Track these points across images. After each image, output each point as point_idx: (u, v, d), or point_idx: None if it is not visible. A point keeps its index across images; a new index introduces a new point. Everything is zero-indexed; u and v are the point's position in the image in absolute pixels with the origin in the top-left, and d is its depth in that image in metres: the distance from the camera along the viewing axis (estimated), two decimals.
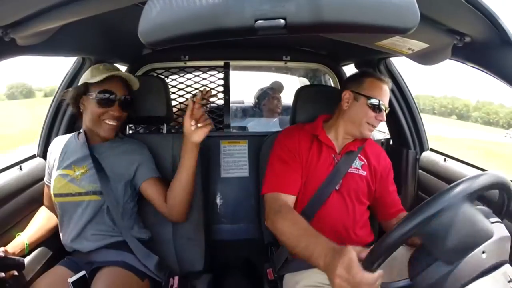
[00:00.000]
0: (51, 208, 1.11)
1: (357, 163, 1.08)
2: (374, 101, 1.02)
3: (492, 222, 0.60)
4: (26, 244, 0.98)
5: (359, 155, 1.09)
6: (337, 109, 1.10)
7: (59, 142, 1.11)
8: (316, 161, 1.05)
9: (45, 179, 1.12)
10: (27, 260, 0.99)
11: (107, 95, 1.00)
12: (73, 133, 1.13)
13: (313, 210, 1.01)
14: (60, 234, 1.06)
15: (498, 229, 0.60)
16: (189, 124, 0.91)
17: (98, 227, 1.01)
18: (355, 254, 0.66)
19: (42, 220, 1.09)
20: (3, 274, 0.86)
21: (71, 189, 1.01)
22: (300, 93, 1.30)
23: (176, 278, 1.04)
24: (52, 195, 1.03)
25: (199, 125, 0.91)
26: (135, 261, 0.99)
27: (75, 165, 1.04)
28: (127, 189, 1.05)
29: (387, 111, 1.06)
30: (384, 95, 1.04)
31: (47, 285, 0.91)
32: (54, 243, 1.12)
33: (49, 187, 1.09)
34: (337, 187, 1.03)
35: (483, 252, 0.56)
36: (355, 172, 1.06)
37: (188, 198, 1.01)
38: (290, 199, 1.00)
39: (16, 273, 0.89)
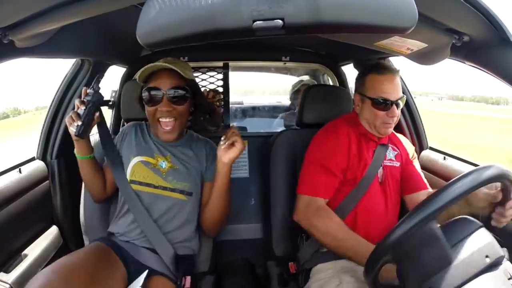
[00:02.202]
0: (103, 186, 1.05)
1: (391, 154, 1.08)
2: (378, 101, 0.98)
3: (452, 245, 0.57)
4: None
5: (391, 146, 1.09)
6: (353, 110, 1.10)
7: (134, 129, 1.07)
8: (361, 155, 1.03)
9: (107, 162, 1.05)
10: (29, 263, 0.99)
11: (153, 92, 0.95)
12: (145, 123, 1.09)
13: (354, 201, 1.01)
14: (115, 221, 1.04)
15: (469, 245, 0.57)
16: (221, 144, 0.92)
17: (165, 225, 0.99)
18: None
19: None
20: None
21: (155, 181, 0.98)
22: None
23: (188, 278, 1.03)
24: (129, 181, 0.99)
25: (228, 143, 0.91)
26: (167, 269, 0.99)
27: (157, 154, 1.02)
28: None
29: (401, 102, 1.00)
30: (389, 88, 0.98)
31: (91, 255, 0.88)
32: (58, 245, 1.11)
33: (108, 170, 1.04)
34: (380, 180, 1.04)
35: None
36: (389, 164, 1.06)
37: (220, 218, 1.01)
38: (325, 201, 1.01)
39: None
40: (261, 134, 1.58)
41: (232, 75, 1.69)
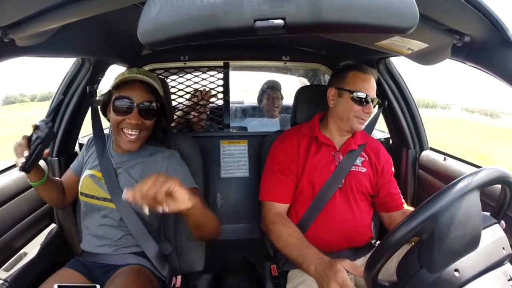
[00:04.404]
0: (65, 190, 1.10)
1: (358, 160, 1.09)
2: (357, 94, 1.01)
3: (484, 228, 0.59)
4: (46, 174, 0.98)
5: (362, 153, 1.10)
6: (328, 108, 1.11)
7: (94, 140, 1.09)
8: (317, 162, 1.06)
9: (72, 168, 1.11)
10: (28, 261, 0.99)
11: (125, 102, 0.92)
12: (108, 134, 1.11)
13: (317, 208, 1.03)
14: (81, 232, 1.04)
15: (486, 236, 0.59)
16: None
17: (119, 234, 0.99)
18: (346, 273, 0.76)
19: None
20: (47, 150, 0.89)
21: (97, 192, 1.00)
22: (301, 93, 1.30)
23: (179, 277, 1.04)
24: (79, 193, 1.02)
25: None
26: (149, 263, 0.98)
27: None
28: None
29: (376, 102, 1.04)
30: (368, 86, 1.03)
31: None
32: (58, 244, 1.11)
33: (72, 177, 1.09)
34: (340, 186, 1.04)
35: (455, 270, 0.55)
36: (355, 169, 1.07)
37: (203, 233, 0.90)
38: (283, 207, 1.06)
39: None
40: (262, 133, 1.58)
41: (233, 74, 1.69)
